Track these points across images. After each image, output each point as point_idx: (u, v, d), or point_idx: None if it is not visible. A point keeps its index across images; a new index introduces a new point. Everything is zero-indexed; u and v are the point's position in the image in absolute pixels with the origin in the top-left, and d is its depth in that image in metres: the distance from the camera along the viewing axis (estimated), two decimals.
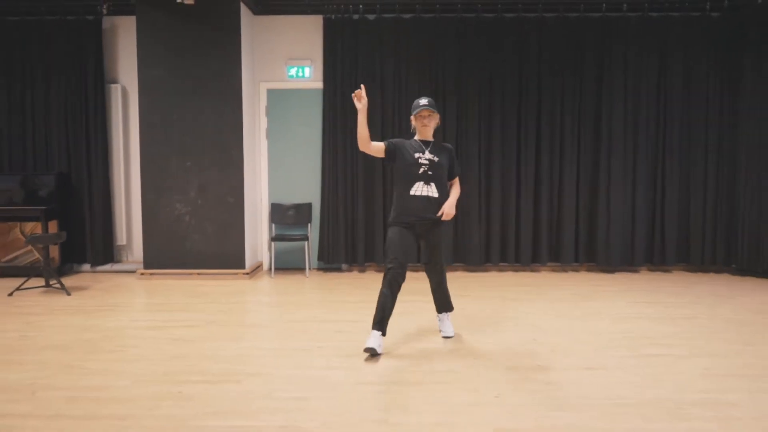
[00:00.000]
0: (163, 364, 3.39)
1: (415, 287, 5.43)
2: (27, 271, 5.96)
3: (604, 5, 6.12)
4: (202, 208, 6.04)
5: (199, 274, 6.03)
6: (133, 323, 4.31)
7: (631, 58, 6.19)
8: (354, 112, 5.57)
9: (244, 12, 6.05)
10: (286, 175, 6.57)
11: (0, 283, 5.83)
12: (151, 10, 5.90)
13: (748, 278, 6.06)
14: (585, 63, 6.21)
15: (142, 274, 6.06)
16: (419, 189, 3.62)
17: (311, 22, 6.40)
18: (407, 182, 3.64)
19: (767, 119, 5.96)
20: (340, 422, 2.61)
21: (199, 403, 2.82)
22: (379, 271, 6.47)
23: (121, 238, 6.48)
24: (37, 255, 5.97)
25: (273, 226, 6.54)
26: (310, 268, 6.53)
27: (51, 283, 5.50)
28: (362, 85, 3.64)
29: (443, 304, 3.94)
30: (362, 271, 6.51)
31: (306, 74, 6.42)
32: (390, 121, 6.28)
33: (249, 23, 6.24)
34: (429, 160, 3.64)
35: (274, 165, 6.58)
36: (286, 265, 6.60)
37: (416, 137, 3.77)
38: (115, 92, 6.37)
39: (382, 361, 3.44)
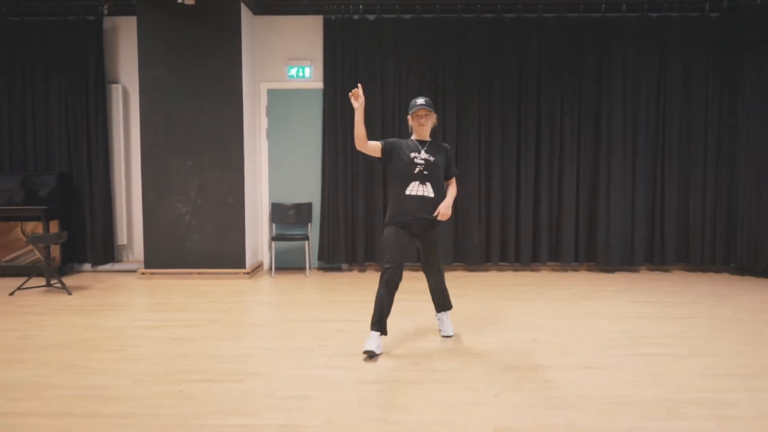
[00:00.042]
0: (164, 363, 3.41)
1: (415, 286, 5.44)
2: (28, 271, 5.97)
3: (603, 6, 6.13)
4: (202, 207, 6.05)
5: (199, 273, 6.05)
6: (133, 323, 4.32)
7: (630, 58, 6.21)
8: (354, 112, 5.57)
9: (245, 12, 6.06)
10: (286, 175, 6.59)
11: (1, 282, 5.85)
12: (151, 10, 5.91)
13: (747, 278, 6.07)
14: (585, 63, 6.23)
15: (143, 273, 6.07)
16: (415, 189, 3.62)
17: (311, 22, 6.41)
18: (403, 182, 3.63)
19: (766, 119, 5.98)
20: (341, 421, 2.63)
21: (201, 402, 2.84)
22: (379, 270, 6.48)
23: (121, 237, 6.49)
24: (38, 255, 5.98)
25: (273, 225, 6.55)
26: (310, 268, 6.54)
27: (52, 282, 5.51)
28: (359, 84, 3.64)
29: (442, 303, 3.94)
30: (362, 270, 6.53)
31: (306, 74, 6.44)
32: (390, 122, 6.29)
33: (249, 23, 6.25)
34: (425, 160, 3.63)
35: (274, 165, 6.59)
36: (287, 264, 6.61)
37: (413, 137, 3.77)
38: (116, 92, 6.39)
39: (382, 361, 3.45)
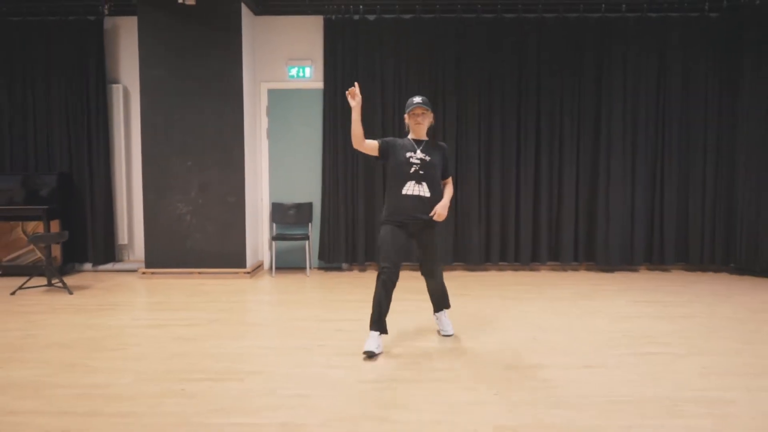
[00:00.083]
0: (165, 362, 3.42)
1: (415, 286, 5.46)
2: (29, 270, 5.99)
3: (603, 6, 6.14)
4: (203, 207, 6.07)
5: (200, 273, 6.06)
6: (135, 322, 4.34)
7: (630, 58, 6.22)
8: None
9: (245, 12, 6.07)
10: (286, 174, 6.60)
11: (2, 282, 5.87)
12: (152, 10, 5.92)
13: (746, 277, 6.09)
14: (584, 63, 6.24)
15: (144, 273, 6.09)
16: (411, 188, 3.61)
17: (312, 22, 6.42)
18: (399, 181, 3.63)
19: (766, 119, 5.99)
20: (341, 420, 2.64)
21: (202, 401, 2.85)
22: None
23: (122, 237, 6.51)
24: (39, 254, 6.00)
25: (274, 225, 6.57)
26: (310, 268, 6.56)
27: (53, 282, 5.53)
28: (356, 83, 3.64)
29: (440, 302, 3.94)
30: (362, 270, 6.54)
31: (306, 74, 6.45)
32: (390, 122, 6.30)
33: (250, 24, 6.26)
34: (420, 159, 3.63)
35: (274, 165, 6.61)
36: (287, 264, 6.63)
37: (410, 136, 3.76)
38: (117, 92, 6.40)
39: (382, 360, 3.47)
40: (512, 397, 2.90)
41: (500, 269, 6.51)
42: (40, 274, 5.86)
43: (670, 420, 2.64)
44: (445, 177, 3.79)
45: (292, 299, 5.12)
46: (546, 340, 3.85)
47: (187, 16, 5.90)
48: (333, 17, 6.28)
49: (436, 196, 3.66)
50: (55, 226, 6.08)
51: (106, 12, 6.18)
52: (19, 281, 5.73)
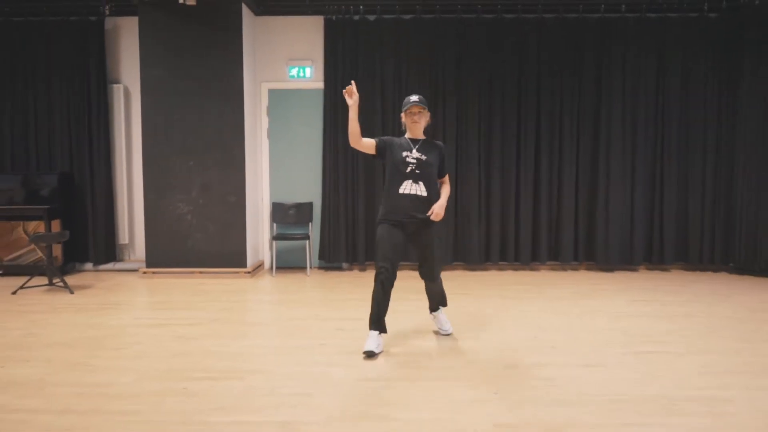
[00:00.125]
0: (166, 361, 3.44)
1: (414, 285, 5.47)
2: (30, 270, 5.99)
3: (602, 6, 6.16)
4: (203, 207, 6.08)
5: (200, 272, 6.08)
6: (136, 321, 4.35)
7: (629, 58, 6.23)
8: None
9: (246, 13, 6.09)
10: (287, 174, 6.62)
11: (3, 281, 5.88)
12: (153, 10, 5.94)
13: (745, 277, 6.11)
14: (584, 64, 6.26)
15: (145, 272, 6.10)
16: (408, 187, 3.60)
17: (312, 22, 6.44)
18: (396, 180, 3.62)
19: (765, 119, 6.01)
20: (342, 418, 2.66)
21: (204, 399, 2.87)
22: None
23: (123, 237, 6.52)
24: (40, 254, 6.02)
25: (274, 225, 6.58)
26: (311, 267, 6.58)
27: (54, 281, 5.54)
28: (353, 81, 3.64)
29: (438, 301, 3.91)
30: (363, 269, 6.56)
31: (307, 74, 6.46)
32: (390, 122, 6.31)
33: (250, 24, 6.28)
34: (416, 158, 3.62)
35: (275, 164, 6.62)
36: (288, 264, 6.64)
37: (406, 135, 3.76)
38: (118, 92, 6.42)
39: (382, 359, 3.48)
40: (512, 395, 2.92)
41: (500, 269, 6.53)
42: (41, 274, 5.87)
43: (670, 418, 2.65)
44: (441, 176, 3.78)
45: (293, 299, 5.14)
46: (546, 340, 3.86)
47: (187, 16, 5.92)
48: (333, 17, 6.29)
49: (433, 195, 3.65)
50: (56, 225, 6.10)
51: (107, 12, 6.20)
52: (20, 281, 5.74)
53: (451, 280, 5.84)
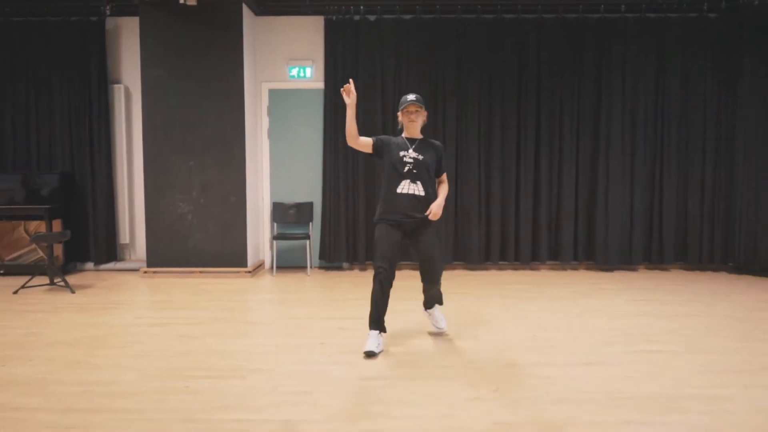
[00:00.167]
0: (168, 360, 3.45)
1: (414, 285, 5.46)
2: (31, 270, 6.01)
3: (602, 6, 6.17)
4: (204, 207, 6.10)
5: (201, 272, 6.09)
6: (137, 320, 4.36)
7: (629, 58, 6.25)
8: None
9: (246, 13, 6.10)
10: (287, 174, 6.63)
11: (5, 281, 5.89)
12: (153, 11, 5.95)
13: (744, 276, 6.12)
14: (584, 64, 6.27)
15: (145, 272, 6.12)
16: (405, 187, 3.60)
17: (312, 23, 6.45)
18: (393, 180, 3.62)
19: (765, 120, 6.02)
20: (343, 416, 2.67)
21: (206, 398, 2.88)
22: None
23: (124, 236, 6.53)
24: (41, 253, 6.03)
25: (275, 225, 6.60)
26: (311, 267, 6.59)
27: (55, 281, 5.55)
28: (351, 80, 3.63)
29: (435, 300, 3.87)
30: (363, 269, 6.57)
31: (307, 74, 6.48)
32: (390, 122, 6.33)
33: (251, 24, 6.29)
34: (413, 158, 3.62)
35: (275, 164, 6.63)
36: (288, 263, 6.65)
37: (403, 134, 3.76)
38: (118, 92, 6.43)
39: (383, 357, 3.49)
40: (512, 393, 2.93)
41: (500, 268, 6.54)
42: (43, 273, 5.88)
43: (669, 416, 2.67)
44: (439, 175, 3.78)
45: (293, 298, 5.15)
46: (546, 339, 3.88)
47: (188, 16, 5.93)
48: (334, 18, 6.31)
49: (431, 194, 3.66)
50: (57, 225, 6.11)
51: (108, 12, 6.20)
52: (21, 280, 5.76)
53: (451, 280, 5.86)
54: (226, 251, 6.11)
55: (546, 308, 4.73)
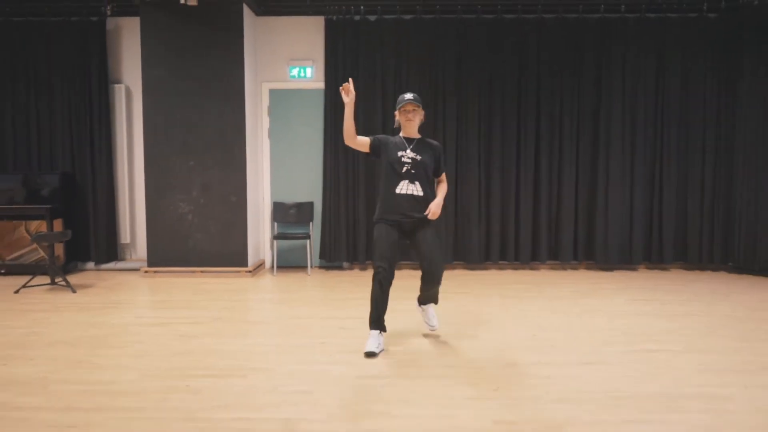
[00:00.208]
0: (169, 359, 3.46)
1: (414, 285, 5.46)
2: (32, 269, 6.02)
3: (602, 6, 6.18)
4: (205, 207, 6.10)
5: (202, 272, 6.10)
6: (138, 320, 4.37)
7: (629, 59, 6.25)
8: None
9: (247, 13, 6.11)
10: (288, 174, 6.64)
11: (6, 280, 5.90)
12: (154, 11, 5.96)
13: (744, 276, 6.12)
14: (584, 64, 6.28)
15: (146, 272, 6.12)
16: (404, 188, 3.60)
17: (313, 23, 6.46)
18: (392, 180, 3.62)
19: (764, 120, 6.03)
20: (344, 415, 2.68)
21: (206, 397, 2.89)
22: None
23: (124, 236, 6.54)
24: (42, 253, 6.04)
25: (275, 224, 6.60)
26: (311, 266, 6.60)
27: (56, 280, 5.56)
28: (350, 79, 3.63)
29: (431, 299, 3.85)
30: (363, 269, 6.57)
31: (308, 74, 6.49)
32: (390, 122, 6.30)
33: (251, 24, 6.30)
34: (411, 158, 3.61)
35: (276, 164, 6.64)
36: (288, 263, 6.66)
37: (401, 134, 3.75)
38: (119, 92, 6.44)
39: (383, 357, 3.50)
40: (512, 393, 2.94)
41: (500, 268, 6.54)
42: (44, 273, 5.89)
43: (669, 415, 2.67)
44: (437, 175, 3.78)
45: (294, 298, 5.16)
46: (546, 338, 3.88)
47: (188, 16, 5.94)
48: (334, 18, 6.31)
49: (429, 194, 3.65)
50: (57, 225, 6.12)
51: (109, 13, 6.20)
52: (22, 280, 5.77)
53: (451, 280, 5.86)
54: (226, 251, 6.11)
55: (546, 308, 4.74)
